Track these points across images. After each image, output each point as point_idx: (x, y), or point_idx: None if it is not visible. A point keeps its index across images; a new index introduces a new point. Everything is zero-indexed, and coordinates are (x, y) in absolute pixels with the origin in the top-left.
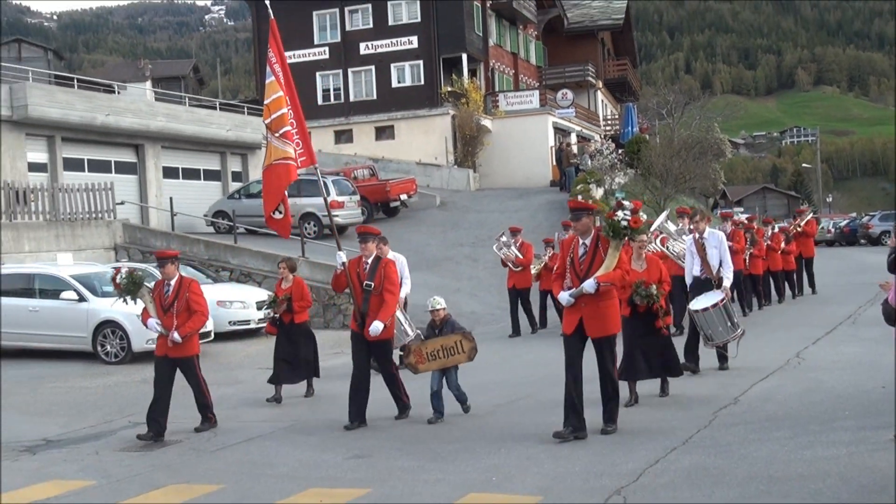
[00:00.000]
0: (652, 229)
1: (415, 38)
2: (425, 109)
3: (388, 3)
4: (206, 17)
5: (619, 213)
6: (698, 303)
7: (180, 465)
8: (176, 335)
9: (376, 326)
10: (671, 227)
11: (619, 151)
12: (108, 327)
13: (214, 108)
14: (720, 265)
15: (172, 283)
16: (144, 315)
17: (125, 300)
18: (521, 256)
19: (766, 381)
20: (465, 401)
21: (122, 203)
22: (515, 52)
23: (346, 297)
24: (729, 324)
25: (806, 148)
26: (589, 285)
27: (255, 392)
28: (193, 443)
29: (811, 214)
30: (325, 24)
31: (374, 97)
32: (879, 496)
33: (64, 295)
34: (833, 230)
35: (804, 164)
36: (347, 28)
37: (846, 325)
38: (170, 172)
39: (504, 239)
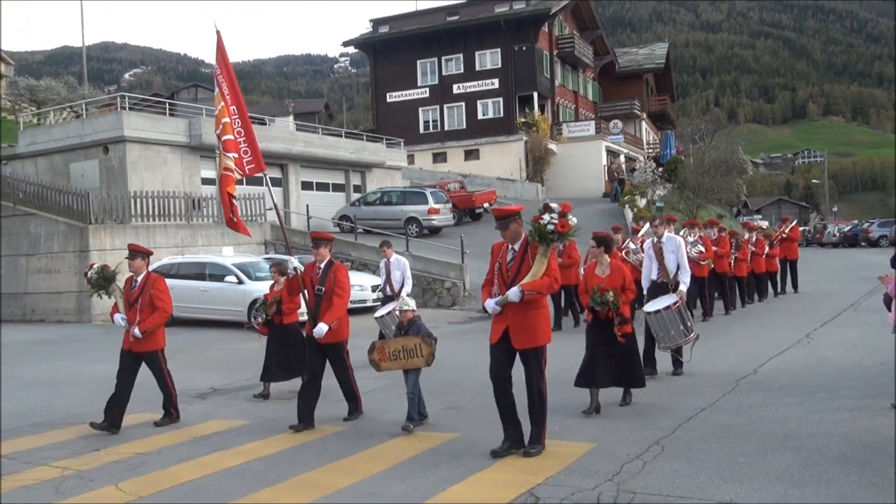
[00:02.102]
0: (639, 235)
1: (496, 80)
2: (504, 136)
3: (476, 52)
4: (335, 65)
5: (546, 217)
6: (652, 305)
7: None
8: (136, 330)
9: (320, 329)
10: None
11: (660, 169)
12: (258, 303)
13: (341, 136)
14: (678, 269)
15: (140, 278)
16: (113, 309)
17: (99, 295)
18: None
19: (781, 356)
20: (415, 413)
21: (270, 209)
22: (576, 91)
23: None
24: (682, 327)
25: (815, 167)
26: (513, 293)
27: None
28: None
29: (794, 222)
30: (426, 70)
31: (464, 127)
32: (878, 453)
33: (227, 279)
34: (838, 234)
35: (814, 180)
36: (443, 73)
37: (849, 312)
38: (306, 185)
39: None
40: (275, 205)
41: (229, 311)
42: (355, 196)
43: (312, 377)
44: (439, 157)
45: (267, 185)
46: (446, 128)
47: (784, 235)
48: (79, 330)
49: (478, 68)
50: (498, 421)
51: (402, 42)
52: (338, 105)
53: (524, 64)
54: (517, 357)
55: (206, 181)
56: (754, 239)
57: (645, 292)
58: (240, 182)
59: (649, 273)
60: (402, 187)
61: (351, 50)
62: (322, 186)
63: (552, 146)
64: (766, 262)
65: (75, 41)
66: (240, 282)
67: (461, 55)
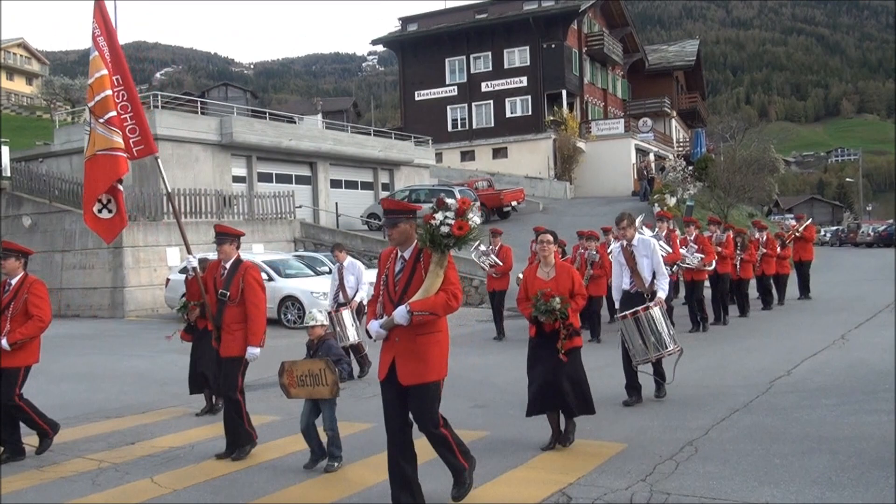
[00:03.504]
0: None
1: (525, 78)
2: (532, 134)
3: (504, 51)
4: (363, 64)
5: (439, 216)
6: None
7: (343, 407)
8: (3, 341)
9: (253, 353)
10: (646, 232)
11: (690, 168)
12: (289, 301)
13: (369, 134)
14: (653, 277)
15: (14, 281)
16: None
17: None
18: (499, 263)
19: (816, 357)
20: (335, 452)
21: (300, 206)
22: (605, 88)
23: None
24: (661, 336)
25: (849, 165)
26: (399, 314)
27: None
28: (353, 391)
29: (809, 220)
30: (455, 68)
31: (492, 125)
32: None
33: None
34: (873, 234)
35: (847, 179)
36: (472, 71)
37: (886, 313)
38: (335, 183)
39: (483, 248)
40: (168, 194)
41: None
42: (384, 194)
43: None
44: (467, 156)
45: (158, 167)
46: (474, 126)
47: (798, 234)
48: (113, 325)
49: (506, 66)
50: (530, 419)
51: (430, 40)
52: (366, 103)
53: (553, 61)
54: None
55: (236, 179)
56: (765, 239)
57: (617, 305)
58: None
59: (620, 282)
60: (430, 185)
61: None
62: (351, 184)
63: (581, 144)
64: (777, 264)
65: None
66: (270, 278)
67: (489, 53)
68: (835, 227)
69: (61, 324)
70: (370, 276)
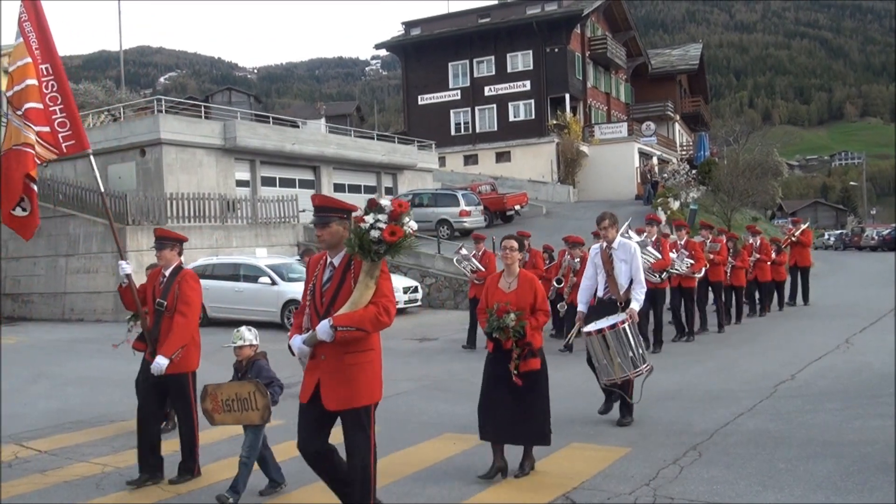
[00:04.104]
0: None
1: (528, 82)
2: (535, 138)
3: (507, 54)
4: (367, 68)
5: (369, 218)
6: (592, 325)
7: None
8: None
9: (158, 364)
10: (634, 237)
11: (693, 171)
12: (292, 304)
13: (372, 139)
14: (630, 284)
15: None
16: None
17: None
18: (481, 269)
19: (820, 361)
20: (242, 484)
21: (303, 211)
22: (608, 92)
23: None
24: (631, 355)
25: (853, 169)
26: (321, 330)
27: (402, 357)
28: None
29: (806, 224)
30: (458, 72)
31: (496, 129)
32: None
33: (261, 280)
34: (877, 238)
35: (851, 183)
36: (475, 75)
37: (890, 317)
38: (339, 188)
39: (464, 252)
40: (101, 194)
41: (263, 311)
42: (387, 198)
43: (144, 418)
44: (470, 160)
45: (92, 165)
46: (478, 130)
47: (794, 239)
48: (116, 329)
49: (509, 70)
50: None
51: (433, 44)
52: (369, 108)
53: (556, 66)
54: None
55: (240, 183)
56: (758, 244)
57: (579, 307)
58: (51, 161)
59: (591, 285)
60: (433, 189)
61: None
62: (354, 188)
63: (584, 148)
64: (772, 270)
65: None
66: (273, 283)
67: (493, 57)
68: (839, 231)
69: (65, 328)
70: None
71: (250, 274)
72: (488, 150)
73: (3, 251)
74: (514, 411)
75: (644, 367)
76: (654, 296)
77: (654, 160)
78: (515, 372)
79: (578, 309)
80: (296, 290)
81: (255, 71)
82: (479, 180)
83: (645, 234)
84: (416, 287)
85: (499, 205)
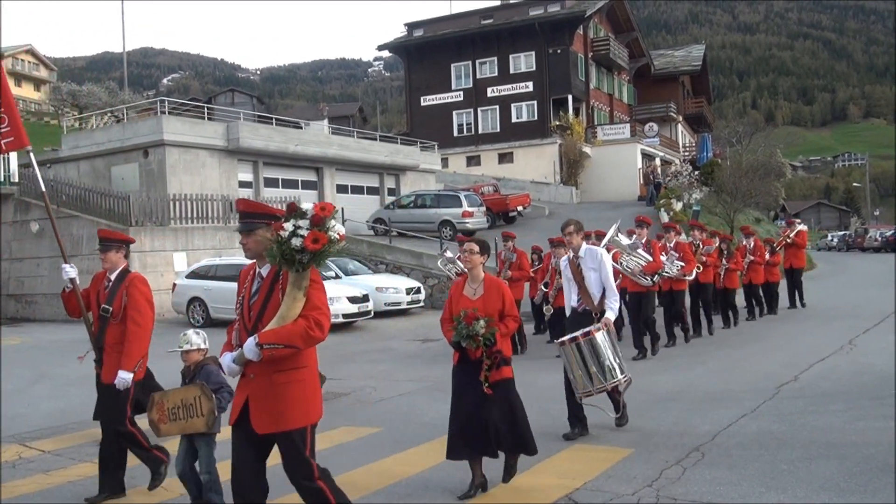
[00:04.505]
0: (603, 243)
1: (530, 84)
2: (538, 139)
3: (510, 55)
4: (369, 69)
5: (288, 225)
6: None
7: (350, 412)
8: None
9: (123, 380)
10: (623, 240)
11: (696, 173)
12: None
13: (375, 140)
14: (603, 293)
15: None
16: None
17: None
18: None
19: (823, 362)
20: (214, 500)
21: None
22: (611, 93)
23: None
24: (607, 364)
25: (856, 170)
26: (247, 348)
27: (404, 358)
28: (359, 396)
29: (801, 225)
30: (461, 73)
31: (498, 130)
32: None
33: None
34: (880, 239)
35: (855, 184)
36: (478, 76)
37: (893, 318)
38: (341, 188)
39: (448, 254)
40: (44, 194)
41: None
42: (389, 199)
43: (105, 431)
44: (473, 161)
45: (33, 164)
46: (480, 131)
47: (789, 241)
48: None
49: (512, 71)
50: (534, 423)
51: (436, 45)
52: (372, 109)
53: (559, 67)
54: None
55: (243, 184)
56: (752, 245)
57: (565, 325)
58: None
59: (570, 298)
60: (436, 190)
61: (385, 54)
62: (357, 189)
63: (587, 149)
64: (766, 272)
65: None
66: None
67: (495, 58)
68: (842, 232)
69: (68, 328)
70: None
71: None
72: (491, 151)
73: (6, 252)
74: (493, 422)
75: (622, 377)
76: (645, 299)
77: (657, 161)
78: (486, 383)
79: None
80: None
81: (258, 72)
82: (481, 181)
83: (635, 236)
84: (419, 288)
85: (501, 206)
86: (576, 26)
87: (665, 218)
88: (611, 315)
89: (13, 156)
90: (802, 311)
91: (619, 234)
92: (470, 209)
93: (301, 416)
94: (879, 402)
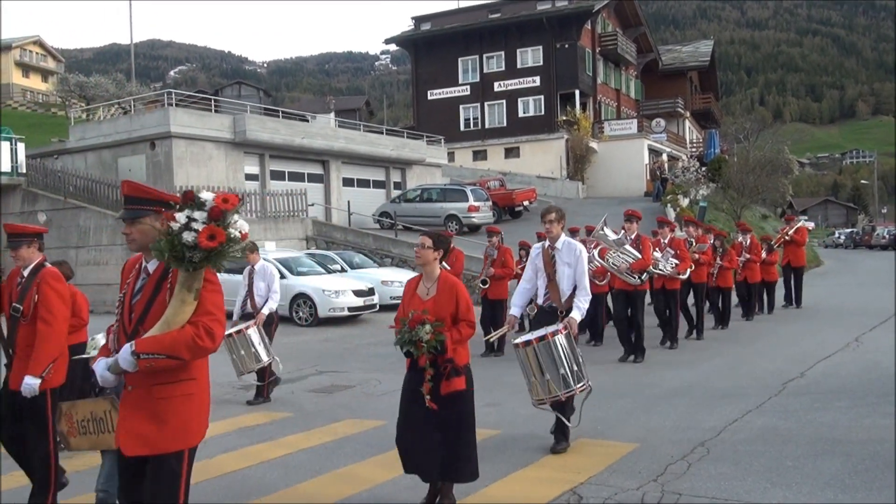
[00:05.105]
0: (590, 237)
1: (538, 78)
2: (545, 134)
3: (518, 50)
4: (376, 63)
5: (182, 216)
6: (524, 336)
7: (355, 405)
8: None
9: (29, 386)
10: (610, 234)
11: (703, 169)
12: (301, 298)
13: (381, 133)
14: (574, 290)
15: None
16: None
17: None
18: (446, 268)
19: (829, 359)
20: None
21: (312, 205)
22: (618, 89)
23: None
24: (563, 370)
25: (864, 167)
26: (123, 357)
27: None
28: (364, 389)
29: (801, 222)
30: (468, 67)
31: (505, 124)
32: None
33: None
34: (888, 236)
35: (862, 181)
36: (485, 70)
37: (894, 317)
38: (347, 182)
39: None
40: None
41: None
42: (395, 193)
43: (11, 441)
44: (479, 155)
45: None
46: (487, 125)
47: (788, 238)
48: None
49: (519, 66)
50: (541, 416)
51: (443, 39)
52: (378, 102)
53: (566, 61)
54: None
55: (249, 177)
56: (748, 243)
57: (512, 314)
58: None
59: (528, 289)
60: (442, 184)
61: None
62: (363, 183)
63: (593, 144)
64: (763, 270)
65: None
66: (282, 276)
67: (503, 53)
68: (849, 230)
69: None
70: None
71: None
72: (497, 145)
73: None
74: (436, 441)
75: (578, 386)
76: (633, 299)
77: (664, 157)
78: (428, 395)
79: (511, 313)
80: (304, 283)
81: (265, 65)
82: (487, 176)
83: (623, 230)
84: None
85: (507, 200)
86: (583, 21)
87: (672, 214)
88: (577, 315)
89: (21, 146)
90: (807, 309)
91: (606, 229)
92: (476, 203)
93: (180, 436)
94: (885, 400)
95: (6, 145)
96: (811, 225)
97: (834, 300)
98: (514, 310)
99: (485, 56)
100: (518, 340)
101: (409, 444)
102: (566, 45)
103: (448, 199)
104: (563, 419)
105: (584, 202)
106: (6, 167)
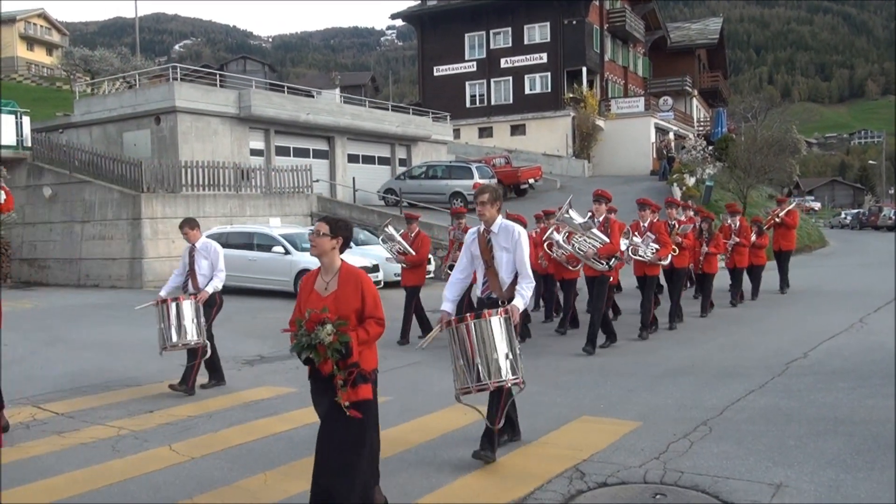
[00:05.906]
0: (555, 220)
1: (544, 55)
2: (551, 112)
3: (525, 26)
4: (382, 38)
5: None
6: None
7: None
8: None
9: None
10: (576, 218)
11: (710, 148)
12: (305, 273)
13: (387, 110)
14: (514, 278)
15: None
16: None
17: None
18: (411, 253)
19: (833, 340)
20: None
21: (317, 181)
22: (626, 66)
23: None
24: (494, 356)
25: (872, 147)
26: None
27: (413, 328)
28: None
29: (793, 203)
30: (475, 43)
31: (511, 101)
32: None
33: (274, 249)
34: (894, 217)
35: (870, 161)
36: (491, 46)
37: (894, 299)
38: (353, 158)
39: (389, 230)
40: None
41: (276, 280)
42: (401, 170)
43: None
44: (485, 132)
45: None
46: (493, 102)
47: (779, 220)
48: (131, 295)
49: (526, 42)
50: (544, 393)
51: (450, 15)
52: (384, 78)
53: (573, 38)
54: None
55: (254, 152)
56: (737, 226)
57: (444, 308)
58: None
59: (462, 279)
60: (447, 161)
61: (398, 23)
62: (368, 159)
63: (600, 122)
64: (752, 255)
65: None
66: (287, 252)
67: (509, 29)
68: (856, 210)
69: (81, 293)
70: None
71: (264, 243)
72: (503, 122)
73: (19, 217)
74: (327, 459)
75: (511, 377)
76: (596, 284)
77: (671, 135)
78: (347, 404)
79: (443, 308)
80: (308, 259)
81: (270, 40)
82: (493, 153)
83: (590, 213)
84: (430, 259)
85: (513, 178)
86: None
87: (678, 193)
88: (519, 303)
89: (26, 120)
90: (812, 290)
91: (572, 211)
92: (481, 181)
93: None
94: (888, 381)
95: (10, 119)
96: (818, 205)
97: (839, 281)
98: (447, 305)
99: (491, 32)
100: (449, 318)
101: (322, 455)
102: (574, 22)
103: (453, 176)
104: (488, 422)
105: (590, 180)
106: (10, 141)
